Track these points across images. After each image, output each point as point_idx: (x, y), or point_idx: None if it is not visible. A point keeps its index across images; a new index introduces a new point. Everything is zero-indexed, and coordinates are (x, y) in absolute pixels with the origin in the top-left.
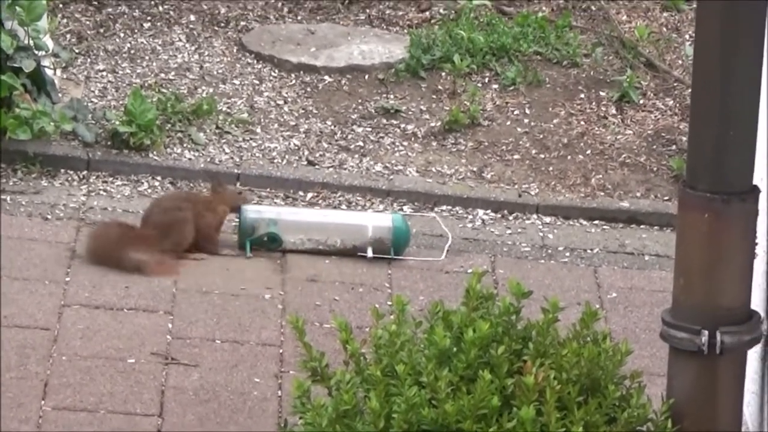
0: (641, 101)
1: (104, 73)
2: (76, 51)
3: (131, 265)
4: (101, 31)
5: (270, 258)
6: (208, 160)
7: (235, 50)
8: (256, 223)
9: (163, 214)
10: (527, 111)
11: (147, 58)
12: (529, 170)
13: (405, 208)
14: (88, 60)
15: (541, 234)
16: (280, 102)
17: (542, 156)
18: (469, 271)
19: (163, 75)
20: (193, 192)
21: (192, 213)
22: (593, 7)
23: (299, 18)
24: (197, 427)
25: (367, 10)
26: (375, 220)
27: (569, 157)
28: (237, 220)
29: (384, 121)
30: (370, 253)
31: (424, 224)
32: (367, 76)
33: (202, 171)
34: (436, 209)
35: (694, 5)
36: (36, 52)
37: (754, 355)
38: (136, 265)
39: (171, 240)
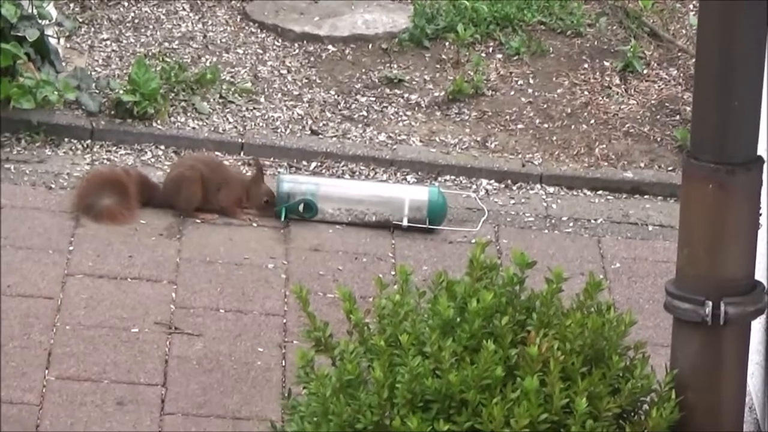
0: (645, 71)
1: (108, 42)
2: (80, 20)
3: (94, 211)
4: (105, 0)
5: (274, 228)
6: (212, 129)
7: (238, 19)
8: (292, 191)
9: (173, 171)
10: (531, 81)
11: (151, 27)
12: (533, 140)
13: (408, 177)
14: (92, 29)
15: (544, 204)
16: (284, 71)
17: (546, 126)
18: (473, 241)
19: (166, 44)
20: (221, 163)
21: (200, 176)
22: None
23: None
24: (200, 397)
25: None
26: (412, 194)
27: (573, 127)
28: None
29: (387, 90)
30: (405, 223)
31: (458, 199)
32: (370, 46)
33: (206, 140)
34: (439, 179)
35: None
36: (40, 21)
37: (758, 325)
38: (98, 211)
39: (182, 197)
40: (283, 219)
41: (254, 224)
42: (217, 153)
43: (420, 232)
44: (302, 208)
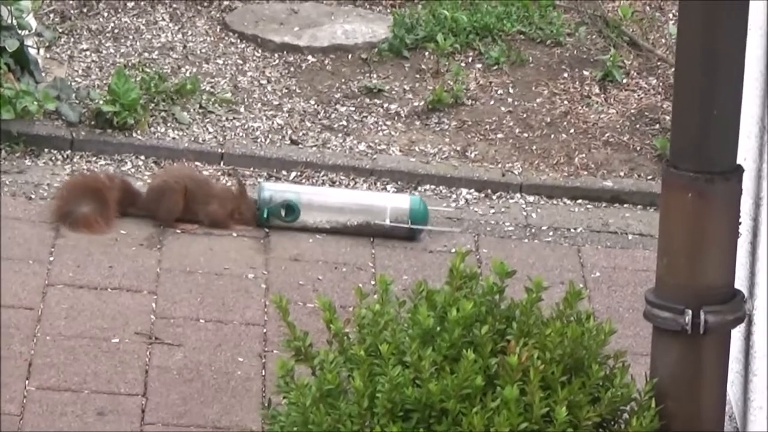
0: (625, 80)
1: (88, 53)
2: (60, 30)
3: (71, 219)
4: (85, 10)
5: (253, 238)
6: (192, 139)
7: (218, 30)
8: (273, 198)
9: (156, 180)
10: (511, 90)
11: (131, 37)
12: (513, 149)
13: (388, 187)
14: (72, 39)
15: (524, 213)
16: (264, 81)
17: (526, 135)
18: (453, 250)
19: (146, 54)
20: (206, 178)
21: (183, 188)
22: None
23: None
24: (181, 407)
25: None
26: (393, 202)
27: (553, 137)
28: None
29: (367, 100)
30: (388, 222)
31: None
32: (350, 56)
33: (186, 150)
34: (419, 188)
35: None
36: (19, 31)
37: (737, 334)
38: (75, 219)
39: (163, 206)
40: (265, 218)
41: (235, 234)
42: (197, 163)
43: (400, 241)
44: (284, 211)
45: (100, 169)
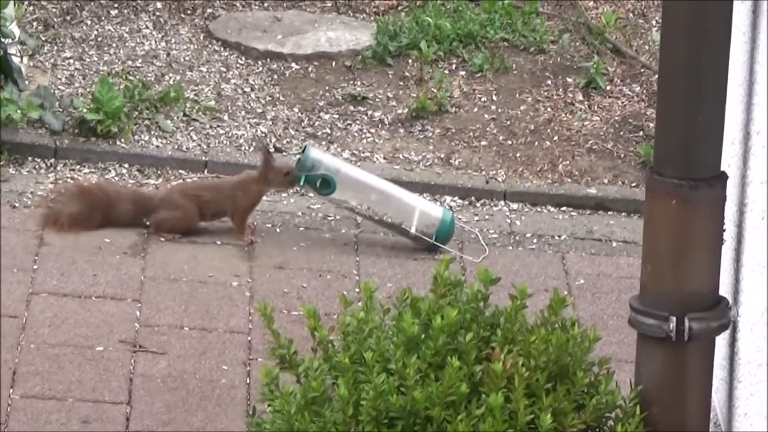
0: (608, 87)
1: (71, 61)
2: (43, 38)
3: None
4: (68, 18)
5: (237, 246)
6: (176, 147)
7: (201, 38)
8: (316, 164)
9: (169, 192)
10: (494, 98)
11: (114, 45)
12: (497, 157)
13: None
14: (55, 47)
15: (508, 220)
16: (247, 89)
17: (509, 142)
18: (437, 257)
19: (130, 62)
20: (224, 178)
21: (194, 205)
22: None
23: (266, 5)
24: (165, 415)
25: None
26: (425, 207)
27: (536, 144)
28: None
29: (351, 108)
30: (413, 231)
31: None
32: (334, 63)
33: (170, 158)
34: None
35: None
36: (2, 39)
37: (722, 341)
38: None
39: (161, 215)
40: (301, 184)
41: (219, 242)
42: (180, 171)
43: (384, 248)
44: (320, 183)
45: (84, 178)
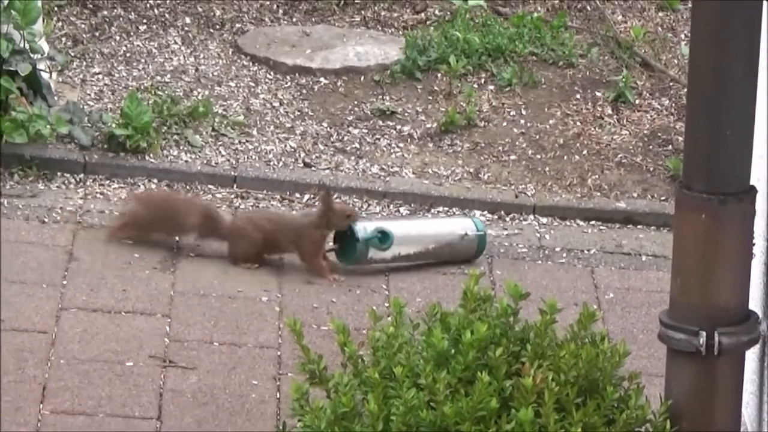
0: (637, 101)
1: (100, 76)
2: (72, 54)
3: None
4: (97, 34)
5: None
6: (205, 162)
7: (230, 52)
8: (367, 228)
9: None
10: (523, 112)
11: (143, 60)
12: (526, 171)
13: (401, 209)
14: (84, 63)
15: (538, 235)
16: (276, 104)
17: (539, 156)
18: (467, 272)
19: (159, 77)
20: (286, 215)
21: (259, 235)
22: (589, 8)
23: (294, 20)
24: (195, 430)
25: (363, 12)
26: (465, 226)
27: (566, 158)
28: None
29: (380, 122)
30: (468, 232)
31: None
32: (362, 78)
33: (199, 173)
34: (432, 210)
35: (690, 5)
36: (32, 55)
37: (752, 355)
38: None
39: (231, 247)
40: (364, 249)
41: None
42: (209, 186)
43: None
44: (380, 237)
45: (113, 193)
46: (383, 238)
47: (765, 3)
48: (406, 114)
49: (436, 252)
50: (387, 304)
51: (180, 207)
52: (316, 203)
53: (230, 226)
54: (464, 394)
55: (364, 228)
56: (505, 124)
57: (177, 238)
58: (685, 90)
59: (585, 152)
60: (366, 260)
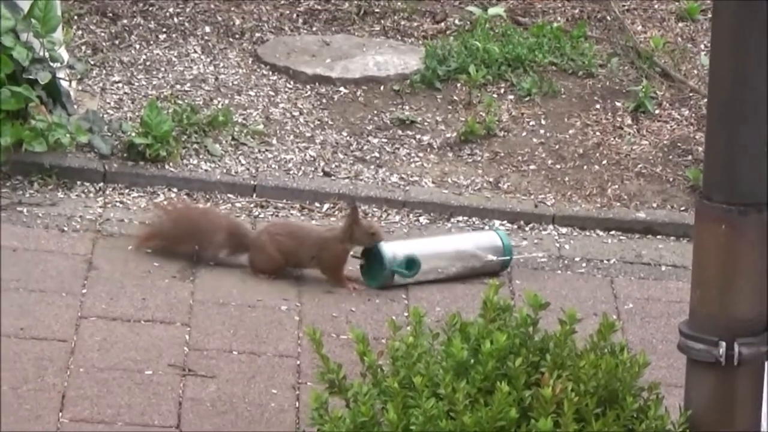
0: (657, 111)
1: (120, 85)
2: (92, 63)
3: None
4: (116, 42)
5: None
6: (225, 171)
7: (250, 62)
8: (396, 253)
9: (261, 235)
10: (543, 121)
11: (162, 69)
12: (546, 181)
13: (421, 219)
14: (104, 72)
15: (557, 244)
16: (296, 113)
17: (558, 166)
18: (486, 282)
19: (178, 86)
20: (309, 229)
21: (277, 249)
22: (608, 18)
23: (314, 29)
24: None
25: (382, 22)
26: (488, 240)
27: (585, 168)
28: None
29: (399, 132)
30: (492, 258)
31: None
32: (382, 87)
33: (218, 182)
34: (452, 220)
35: (710, 15)
36: (51, 64)
37: None
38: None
39: (251, 256)
40: (392, 276)
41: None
42: (229, 195)
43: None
44: (406, 264)
45: (132, 202)
46: (410, 264)
47: None
48: (425, 123)
49: (458, 274)
50: (406, 314)
51: (204, 225)
52: (336, 213)
53: (254, 239)
54: (483, 404)
55: (393, 255)
56: (524, 133)
57: (197, 247)
58: (705, 100)
59: (605, 162)
60: (391, 283)
